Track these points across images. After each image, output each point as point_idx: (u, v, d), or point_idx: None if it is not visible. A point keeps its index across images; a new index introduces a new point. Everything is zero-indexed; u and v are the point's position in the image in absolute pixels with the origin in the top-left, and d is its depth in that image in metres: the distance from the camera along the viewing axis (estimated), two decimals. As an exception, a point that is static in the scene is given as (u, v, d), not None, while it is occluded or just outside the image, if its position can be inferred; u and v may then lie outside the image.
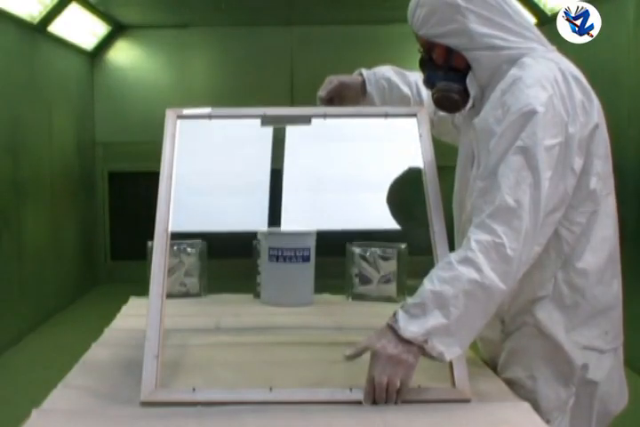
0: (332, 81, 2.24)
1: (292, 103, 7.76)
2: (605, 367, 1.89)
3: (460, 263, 1.66)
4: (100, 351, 2.12)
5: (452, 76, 1.88)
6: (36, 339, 5.77)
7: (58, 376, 1.89)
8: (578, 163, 1.76)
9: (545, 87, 1.72)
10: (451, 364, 1.77)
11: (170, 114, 2.17)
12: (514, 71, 1.78)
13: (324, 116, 2.21)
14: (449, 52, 1.86)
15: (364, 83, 2.24)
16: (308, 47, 7.83)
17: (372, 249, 2.73)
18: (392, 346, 1.65)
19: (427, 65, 1.93)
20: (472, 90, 1.88)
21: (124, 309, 2.68)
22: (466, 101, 1.91)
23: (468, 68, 1.86)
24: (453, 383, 1.75)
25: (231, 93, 7.85)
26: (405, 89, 2.23)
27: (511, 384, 1.88)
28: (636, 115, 4.74)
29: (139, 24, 7.75)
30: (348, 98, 2.25)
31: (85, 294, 7.36)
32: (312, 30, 7.81)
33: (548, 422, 1.82)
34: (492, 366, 2.00)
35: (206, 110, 2.19)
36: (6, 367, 5.08)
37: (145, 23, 7.72)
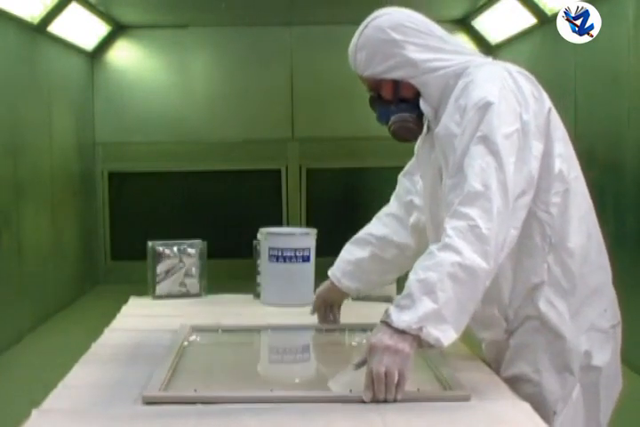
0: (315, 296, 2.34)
1: (292, 103, 7.77)
2: (608, 351, 1.92)
3: (440, 250, 1.70)
4: (99, 351, 2.12)
5: (403, 106, 1.95)
6: (35, 339, 5.77)
7: (58, 376, 1.88)
8: (537, 147, 1.82)
9: (494, 82, 1.82)
10: (437, 367, 1.80)
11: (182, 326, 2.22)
12: (462, 79, 1.87)
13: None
14: (395, 85, 1.94)
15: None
16: (308, 47, 7.83)
17: (372, 249, 2.73)
18: (387, 337, 1.67)
19: (377, 102, 1.99)
20: (427, 113, 1.94)
21: (124, 309, 2.68)
22: (421, 127, 1.98)
23: (417, 95, 1.94)
24: (450, 385, 1.75)
25: (231, 93, 7.86)
26: (367, 251, 2.25)
27: (517, 380, 1.90)
28: (636, 115, 4.74)
29: (139, 24, 7.75)
30: (337, 299, 2.32)
31: (85, 294, 7.36)
32: (312, 30, 7.80)
33: (554, 413, 1.85)
34: (496, 366, 2.00)
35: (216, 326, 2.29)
36: (6, 367, 5.08)
37: (145, 23, 7.72)
